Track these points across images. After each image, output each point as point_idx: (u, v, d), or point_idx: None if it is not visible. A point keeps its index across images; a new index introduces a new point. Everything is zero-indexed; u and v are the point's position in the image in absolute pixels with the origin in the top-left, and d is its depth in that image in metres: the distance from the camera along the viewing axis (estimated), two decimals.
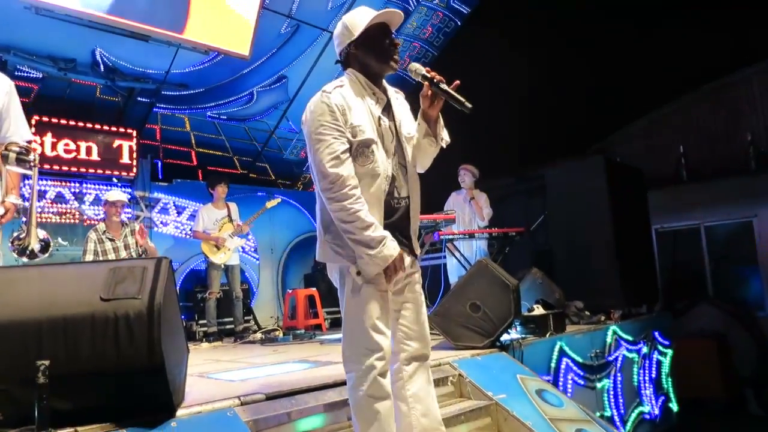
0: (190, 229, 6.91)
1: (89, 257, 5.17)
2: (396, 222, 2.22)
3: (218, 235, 6.26)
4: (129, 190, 7.01)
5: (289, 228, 8.55)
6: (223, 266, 6.29)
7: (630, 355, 5.31)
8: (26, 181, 3.31)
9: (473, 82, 2.35)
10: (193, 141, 8.15)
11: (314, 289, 7.45)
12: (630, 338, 5.35)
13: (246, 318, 6.72)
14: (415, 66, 2.19)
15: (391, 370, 2.26)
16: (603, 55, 8.62)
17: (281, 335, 6.21)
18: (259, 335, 6.23)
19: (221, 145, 8.41)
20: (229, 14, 6.95)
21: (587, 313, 5.51)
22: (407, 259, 2.23)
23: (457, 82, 2.16)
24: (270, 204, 6.65)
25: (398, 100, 2.36)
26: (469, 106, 2.10)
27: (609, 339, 5.06)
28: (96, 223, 6.17)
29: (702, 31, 7.91)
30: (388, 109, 2.27)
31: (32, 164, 2.75)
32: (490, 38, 8.22)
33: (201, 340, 6.31)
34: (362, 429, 2.11)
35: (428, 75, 2.17)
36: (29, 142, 2.97)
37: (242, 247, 6.67)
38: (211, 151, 8.32)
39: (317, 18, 7.81)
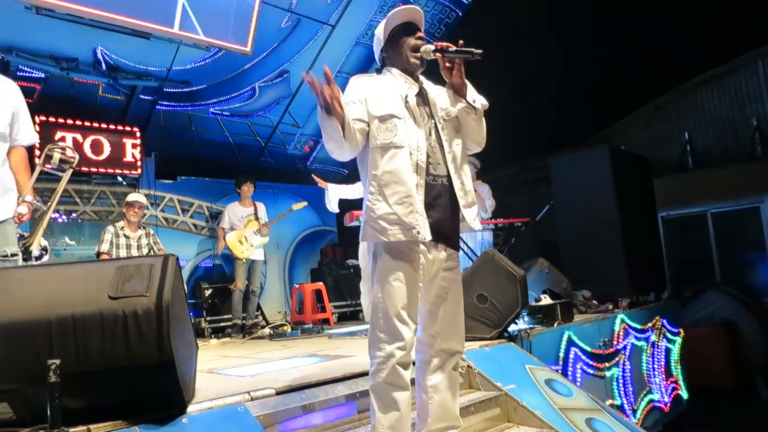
0: (217, 224, 6.98)
1: (105, 246, 5.51)
2: (433, 202, 2.21)
3: (242, 231, 6.34)
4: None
5: (295, 223, 8.55)
6: (246, 261, 6.34)
7: (638, 344, 5.30)
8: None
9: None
10: (197, 138, 8.15)
11: (321, 283, 7.47)
12: (638, 326, 5.34)
13: (254, 313, 6.76)
14: (425, 47, 2.30)
15: (420, 359, 2.32)
16: (606, 42, 8.56)
17: (289, 330, 6.23)
18: (267, 330, 6.25)
19: (225, 141, 8.41)
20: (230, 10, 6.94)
21: (595, 302, 5.51)
22: (442, 253, 2.25)
23: (461, 41, 2.23)
24: (296, 206, 6.81)
25: (435, 87, 2.43)
26: (479, 51, 2.19)
27: (617, 327, 5.05)
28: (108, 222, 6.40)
29: (706, 15, 7.84)
30: (421, 94, 2.34)
31: (72, 166, 2.79)
32: (491, 27, 8.18)
33: (210, 337, 6.34)
34: (378, 415, 2.15)
35: (437, 47, 2.26)
36: (35, 144, 3.00)
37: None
38: (214, 148, 8.32)
39: (317, 12, 7.78)
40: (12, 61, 6.20)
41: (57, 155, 2.83)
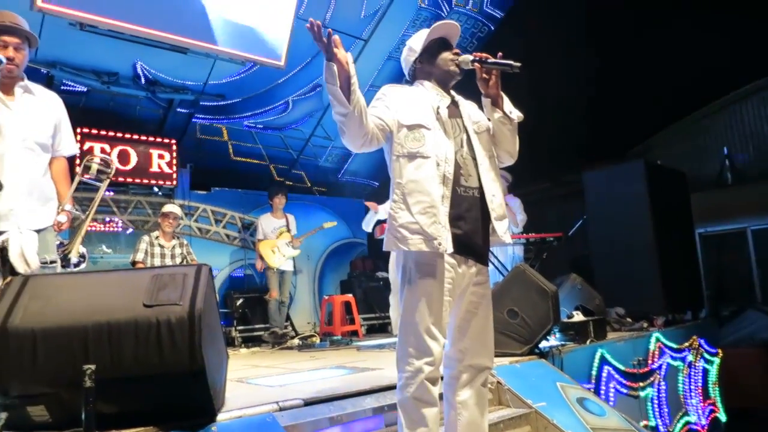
0: (251, 236, 7.10)
1: (140, 255, 5.66)
2: (463, 214, 2.19)
3: (274, 242, 6.42)
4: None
5: (325, 235, 8.59)
6: (276, 270, 6.42)
7: (675, 363, 5.15)
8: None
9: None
10: (231, 150, 8.30)
11: (350, 295, 7.48)
12: (674, 346, 5.20)
13: (284, 324, 6.81)
14: (463, 57, 2.32)
15: (449, 375, 2.29)
16: (642, 55, 8.43)
17: (318, 341, 6.25)
18: (296, 341, 6.29)
19: (258, 153, 8.54)
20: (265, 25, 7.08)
21: (629, 319, 5.38)
22: (472, 268, 2.23)
23: (500, 53, 2.25)
24: (327, 225, 6.98)
25: (467, 101, 2.43)
26: (518, 64, 2.20)
27: (652, 346, 4.92)
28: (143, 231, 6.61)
29: (746, 27, 7.66)
30: (453, 106, 2.35)
31: (109, 176, 2.89)
32: (524, 41, 8.13)
33: (240, 346, 6.41)
34: (406, 430, 2.12)
35: (475, 57, 2.27)
36: (76, 155, 3.11)
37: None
38: (248, 160, 8.46)
39: (351, 26, 7.88)
40: (56, 75, 6.43)
41: (95, 166, 2.93)
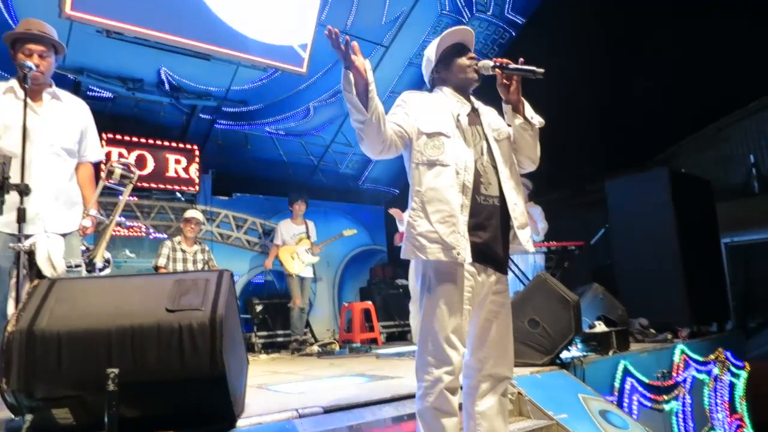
0: (271, 240, 7.17)
1: (162, 261, 5.74)
2: (484, 222, 2.17)
3: (294, 248, 6.46)
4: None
5: (345, 242, 8.60)
6: (296, 276, 6.46)
7: (700, 376, 5.05)
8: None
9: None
10: (252, 156, 8.37)
11: (370, 302, 7.48)
12: (699, 358, 5.09)
13: (303, 330, 6.82)
14: (483, 62, 2.30)
15: (468, 384, 2.26)
16: (665, 61, 8.33)
17: (337, 348, 6.25)
18: (315, 348, 6.29)
19: (279, 159, 8.59)
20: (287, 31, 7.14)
21: (652, 330, 5.29)
22: (492, 276, 2.21)
23: (522, 59, 2.24)
24: (347, 233, 6.97)
25: (487, 107, 2.42)
26: (541, 70, 2.18)
27: (677, 358, 4.82)
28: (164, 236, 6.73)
29: None
30: (473, 114, 2.33)
31: (132, 181, 2.94)
32: (546, 47, 8.09)
33: (260, 352, 6.43)
34: None
35: (495, 63, 2.26)
36: (101, 160, 3.16)
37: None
38: (269, 166, 8.51)
39: (372, 33, 7.91)
40: (83, 82, 6.54)
41: (118, 171, 2.98)
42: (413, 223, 2.17)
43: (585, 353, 4.17)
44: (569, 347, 3.95)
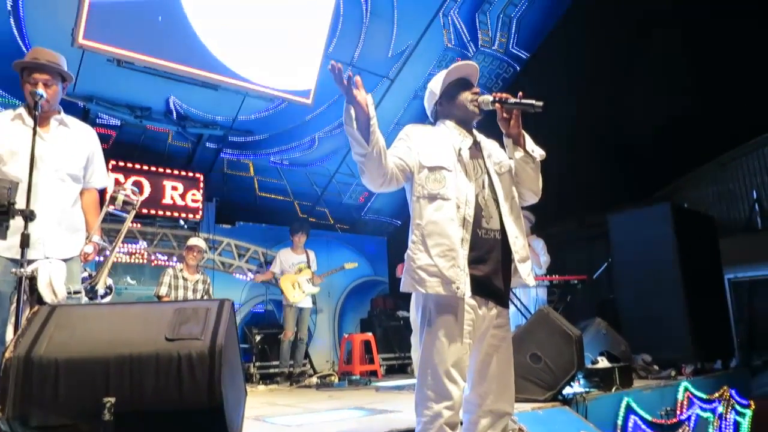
0: (253, 272, 7.15)
1: (164, 289, 5.72)
2: (484, 256, 2.17)
3: (295, 277, 6.44)
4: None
5: (346, 272, 8.58)
6: (294, 307, 6.42)
7: (704, 415, 4.96)
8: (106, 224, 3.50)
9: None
10: (257, 185, 8.42)
11: (370, 334, 7.42)
12: (704, 396, 5.02)
13: (302, 361, 6.75)
14: (483, 97, 2.33)
15: (468, 420, 2.23)
16: (667, 97, 8.40)
17: (336, 380, 6.19)
18: (314, 379, 6.23)
19: (283, 189, 8.64)
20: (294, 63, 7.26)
21: (656, 367, 5.23)
22: (492, 310, 2.19)
23: (521, 93, 2.24)
24: (348, 266, 6.97)
25: (488, 140, 2.44)
26: (540, 104, 2.19)
27: (680, 396, 4.76)
28: (166, 264, 6.72)
29: None
30: (475, 147, 2.35)
31: (134, 207, 2.96)
32: (549, 81, 8.20)
33: (258, 383, 6.36)
34: None
35: (495, 98, 2.28)
36: (106, 187, 3.19)
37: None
38: (273, 195, 8.56)
39: (378, 66, 8.04)
40: (92, 109, 6.63)
41: (121, 197, 3.00)
42: (413, 256, 2.17)
43: (587, 389, 4.12)
44: (572, 383, 3.90)
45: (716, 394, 5.25)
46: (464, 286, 2.08)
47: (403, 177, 2.23)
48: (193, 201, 7.26)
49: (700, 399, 4.95)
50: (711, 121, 8.13)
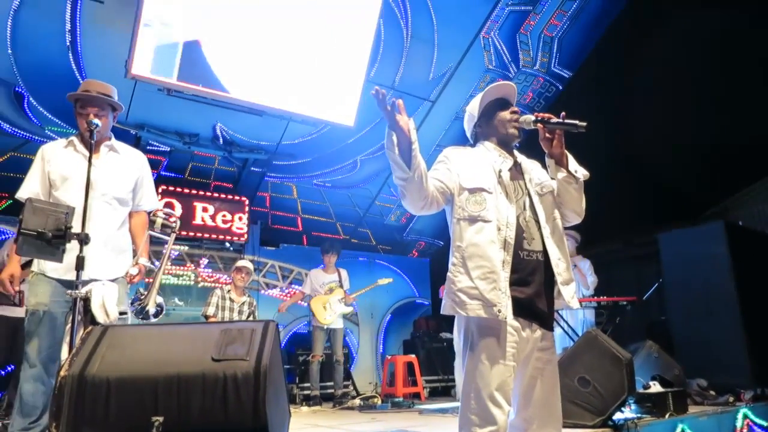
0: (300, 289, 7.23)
1: (211, 309, 5.83)
2: (527, 278, 2.14)
3: (326, 298, 6.46)
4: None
5: (389, 293, 8.60)
6: (326, 329, 6.42)
7: None
8: (154, 247, 3.61)
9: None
10: (300, 207, 8.55)
11: (413, 356, 7.36)
12: (764, 423, 4.76)
13: (345, 383, 6.73)
14: (525, 117, 2.31)
15: None
16: (717, 111, 8.15)
17: (379, 402, 6.15)
18: (357, 401, 6.20)
19: (325, 211, 8.74)
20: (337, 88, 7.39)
21: (712, 392, 5.00)
22: (537, 332, 2.16)
23: (563, 113, 2.22)
24: (382, 282, 6.90)
25: (530, 161, 2.43)
26: (583, 124, 2.16)
27: (739, 423, 4.53)
28: (213, 284, 6.88)
29: None
30: (515, 169, 2.33)
31: (173, 230, 3.05)
32: (593, 99, 8.08)
33: (301, 404, 6.38)
34: None
35: (537, 117, 2.26)
36: (156, 210, 3.29)
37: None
38: (315, 217, 8.67)
39: (419, 89, 8.10)
40: (143, 137, 6.91)
41: (159, 220, 3.07)
42: (453, 279, 2.16)
43: (639, 415, 3.97)
44: (622, 408, 3.77)
45: None
46: (506, 309, 2.05)
47: (443, 199, 2.23)
48: (239, 223, 7.42)
49: (761, 427, 4.70)
50: (764, 138, 7.83)
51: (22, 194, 2.99)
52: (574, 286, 2.27)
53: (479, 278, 2.09)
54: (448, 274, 2.20)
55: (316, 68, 7.23)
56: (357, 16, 7.24)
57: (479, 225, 2.16)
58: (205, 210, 7.24)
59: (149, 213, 3.26)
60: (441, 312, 2.24)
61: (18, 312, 4.57)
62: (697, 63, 8.04)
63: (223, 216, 7.36)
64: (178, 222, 3.12)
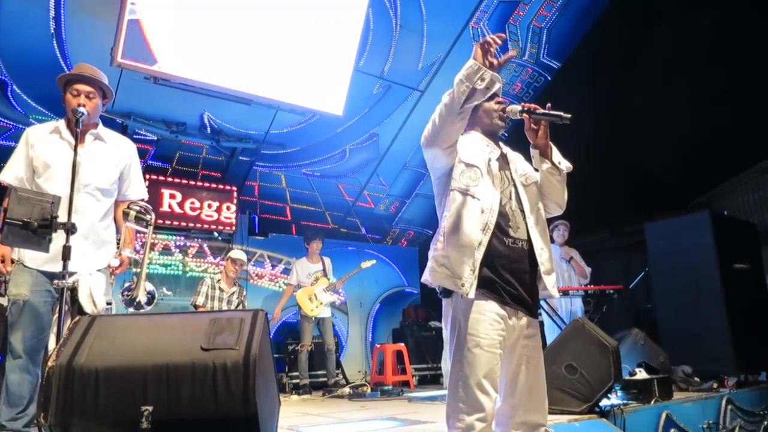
0: (284, 283, 7.20)
1: (201, 299, 5.82)
2: (513, 265, 2.18)
3: (311, 289, 6.44)
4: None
5: (378, 282, 8.62)
6: (314, 319, 6.42)
7: (750, 429, 4.79)
8: (137, 236, 3.58)
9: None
10: (288, 197, 8.52)
11: (402, 344, 7.40)
12: (748, 409, 4.85)
13: (336, 371, 6.76)
14: (511, 107, 2.33)
15: None
16: (702, 102, 8.22)
17: (369, 391, 6.18)
18: (347, 390, 6.23)
19: (314, 200, 8.72)
20: (325, 77, 7.35)
21: (696, 379, 5.07)
22: (523, 319, 2.19)
23: (549, 104, 2.24)
24: (365, 264, 6.86)
25: (514, 153, 2.46)
26: (568, 116, 2.18)
27: (723, 409, 4.60)
28: (201, 274, 6.90)
29: None
30: (502, 159, 2.36)
31: (148, 223, 3.01)
32: (581, 89, 8.11)
33: (291, 393, 6.40)
34: None
35: (523, 107, 2.28)
36: (143, 199, 3.25)
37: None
38: (304, 207, 8.65)
39: (408, 78, 8.08)
40: (130, 125, 6.83)
41: (133, 213, 3.01)
42: (433, 247, 2.24)
43: (625, 401, 4.03)
44: (609, 395, 3.82)
45: (762, 408, 5.07)
46: (469, 286, 2.09)
47: (451, 158, 2.25)
48: (227, 213, 7.39)
49: (743, 412, 4.78)
50: (750, 128, 7.91)
51: (5, 177, 2.95)
52: (555, 276, 2.31)
53: (454, 249, 2.14)
54: (432, 243, 2.26)
55: (304, 57, 7.18)
56: (346, 5, 7.19)
57: (468, 200, 2.20)
58: (191, 199, 7.18)
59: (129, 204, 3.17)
60: (421, 279, 2.30)
61: (4, 300, 4.54)
62: (684, 54, 8.09)
63: (211, 205, 7.31)
64: (153, 215, 3.04)
